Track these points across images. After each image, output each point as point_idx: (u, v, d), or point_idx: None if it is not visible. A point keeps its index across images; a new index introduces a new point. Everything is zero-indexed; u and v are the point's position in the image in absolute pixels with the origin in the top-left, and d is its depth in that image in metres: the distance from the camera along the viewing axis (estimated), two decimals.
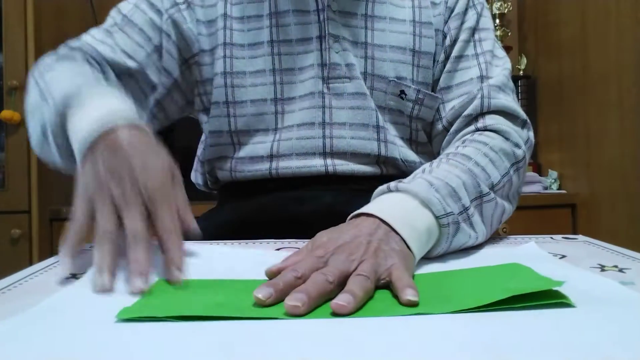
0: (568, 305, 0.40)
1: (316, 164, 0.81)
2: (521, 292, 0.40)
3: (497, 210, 0.69)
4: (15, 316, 0.39)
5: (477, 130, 0.78)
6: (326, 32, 0.80)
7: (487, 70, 0.82)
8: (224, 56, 0.82)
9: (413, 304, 0.41)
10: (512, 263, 0.52)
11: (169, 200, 0.52)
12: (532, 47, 2.24)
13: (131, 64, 0.80)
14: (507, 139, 0.75)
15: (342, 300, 0.40)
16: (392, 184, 0.61)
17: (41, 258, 1.76)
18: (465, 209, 0.62)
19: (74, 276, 0.54)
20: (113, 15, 0.84)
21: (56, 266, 0.59)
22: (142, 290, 0.45)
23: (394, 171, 0.84)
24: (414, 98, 0.83)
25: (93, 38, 0.81)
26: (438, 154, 0.86)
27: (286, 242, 0.71)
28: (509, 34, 2.23)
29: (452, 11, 0.86)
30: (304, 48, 0.81)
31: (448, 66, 0.84)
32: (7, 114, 1.70)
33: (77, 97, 0.61)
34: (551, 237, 0.75)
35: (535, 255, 0.60)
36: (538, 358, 0.32)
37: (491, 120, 0.77)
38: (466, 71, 0.83)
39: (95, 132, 0.55)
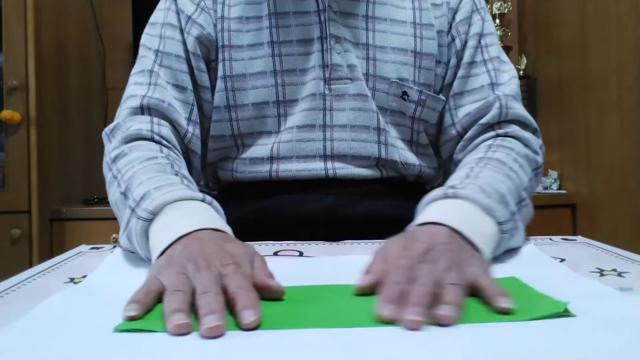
0: (568, 315, 0.40)
1: (316, 167, 0.80)
2: (525, 318, 0.40)
3: (529, 214, 0.72)
4: (11, 323, 0.39)
5: (498, 135, 0.79)
6: (327, 32, 0.80)
7: (497, 77, 0.83)
8: (223, 59, 0.81)
9: (507, 311, 0.41)
10: (510, 278, 0.51)
11: (242, 269, 0.47)
12: (532, 47, 2.24)
13: (184, 96, 0.80)
14: (526, 145, 0.78)
15: (446, 311, 0.40)
16: (450, 191, 0.61)
17: (41, 258, 1.76)
18: (513, 215, 0.63)
19: (72, 280, 0.54)
20: (145, 54, 0.82)
21: (54, 269, 0.59)
22: (217, 327, 0.38)
23: (393, 174, 0.84)
24: (417, 99, 0.82)
25: (141, 85, 0.79)
26: (449, 158, 0.86)
27: (285, 244, 0.71)
28: (509, 34, 2.22)
29: (455, 13, 0.85)
30: (305, 49, 0.81)
31: (461, 72, 0.84)
32: (7, 114, 1.70)
33: (156, 210, 0.58)
34: (550, 239, 0.75)
35: (537, 259, 0.60)
36: None
37: (509, 128, 0.80)
38: (477, 78, 0.83)
39: (175, 235, 0.53)
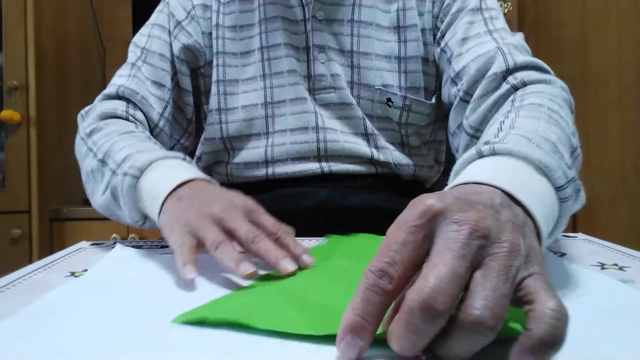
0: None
1: (312, 167, 0.81)
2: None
3: (580, 164, 0.58)
4: (13, 315, 0.39)
5: (516, 88, 0.67)
6: (311, 43, 0.81)
7: (503, 41, 0.74)
8: (217, 65, 0.83)
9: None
10: None
11: (264, 212, 0.55)
12: (532, 47, 2.23)
13: (161, 93, 0.82)
14: (554, 87, 0.65)
15: None
16: (485, 147, 0.45)
17: (41, 258, 1.75)
18: (570, 169, 0.46)
19: (73, 274, 0.54)
20: (133, 50, 0.86)
21: (55, 264, 0.59)
22: (294, 270, 0.48)
23: (388, 170, 0.84)
24: (401, 105, 0.82)
25: (122, 77, 0.83)
26: (458, 129, 0.75)
27: None
28: None
29: (442, 3, 0.83)
30: (290, 52, 0.81)
31: (456, 50, 0.77)
32: (7, 114, 1.70)
33: (145, 164, 0.61)
34: None
35: None
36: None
37: (525, 75, 0.68)
38: (480, 46, 0.74)
39: (173, 183, 0.57)
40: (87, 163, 0.71)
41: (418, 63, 0.83)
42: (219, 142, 0.84)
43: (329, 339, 0.33)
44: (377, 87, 0.81)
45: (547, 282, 0.29)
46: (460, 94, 0.74)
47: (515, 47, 0.72)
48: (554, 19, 2.06)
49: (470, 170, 0.43)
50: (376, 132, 0.82)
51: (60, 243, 1.83)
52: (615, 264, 0.55)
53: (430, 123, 0.87)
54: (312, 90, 0.81)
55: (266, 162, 0.81)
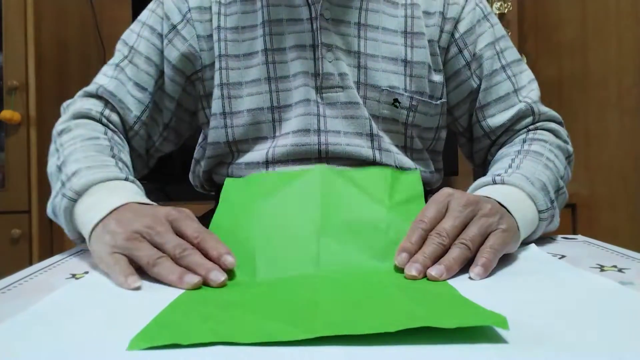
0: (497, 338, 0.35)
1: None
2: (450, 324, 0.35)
3: (565, 200, 0.78)
4: (15, 316, 0.39)
5: (529, 131, 0.84)
6: (319, 41, 0.80)
7: (517, 81, 0.86)
8: (220, 68, 0.82)
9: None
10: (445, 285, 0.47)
11: (187, 216, 0.57)
12: (532, 47, 2.24)
13: (142, 96, 0.83)
14: (557, 136, 0.83)
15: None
16: (497, 178, 0.68)
17: (41, 258, 1.75)
18: (552, 202, 0.69)
19: (74, 276, 0.54)
20: (120, 49, 0.87)
21: (55, 266, 0.59)
22: (224, 280, 0.50)
23: None
24: (408, 105, 0.82)
25: (105, 76, 0.84)
26: (482, 165, 0.92)
27: None
28: (509, 34, 2.22)
29: (457, 22, 0.85)
30: (297, 54, 0.81)
31: (484, 84, 0.86)
32: (7, 114, 1.70)
33: (84, 188, 0.64)
34: (551, 238, 0.75)
35: (536, 257, 0.60)
36: (537, 357, 0.32)
37: (542, 124, 0.85)
38: (499, 86, 0.86)
39: (102, 213, 0.58)
40: (51, 163, 0.75)
41: (424, 69, 0.83)
42: (224, 145, 0.84)
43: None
44: (383, 88, 0.81)
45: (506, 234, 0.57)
46: (487, 131, 0.87)
47: (539, 102, 0.86)
48: (554, 19, 2.06)
49: (485, 190, 0.66)
50: (381, 133, 0.82)
51: (60, 243, 1.83)
52: (615, 266, 0.56)
53: (434, 128, 0.88)
54: (319, 89, 0.80)
55: (267, 163, 0.81)
